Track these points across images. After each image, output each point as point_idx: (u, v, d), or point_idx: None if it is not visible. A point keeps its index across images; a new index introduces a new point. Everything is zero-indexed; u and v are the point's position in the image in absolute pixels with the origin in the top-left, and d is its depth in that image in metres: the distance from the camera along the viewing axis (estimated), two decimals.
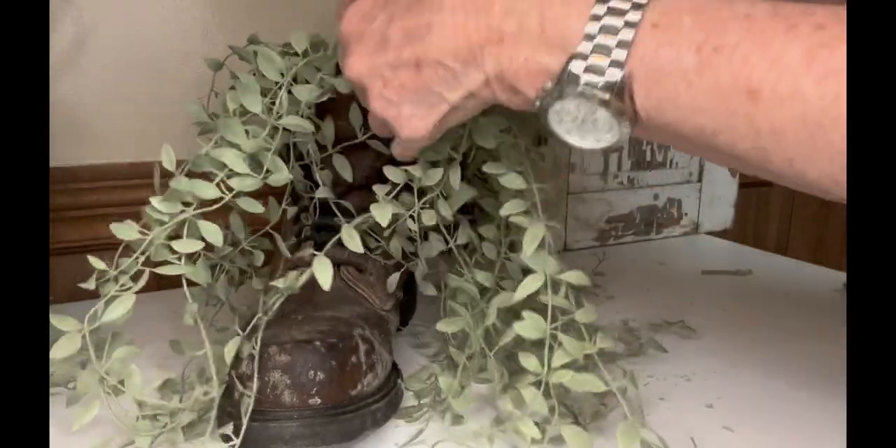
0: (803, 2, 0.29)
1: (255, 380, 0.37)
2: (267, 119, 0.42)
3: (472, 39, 0.34)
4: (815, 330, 0.59)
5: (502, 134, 0.43)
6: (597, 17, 0.31)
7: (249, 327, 0.39)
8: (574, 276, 0.41)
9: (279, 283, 0.40)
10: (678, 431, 0.43)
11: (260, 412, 0.37)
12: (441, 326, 0.45)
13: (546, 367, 0.38)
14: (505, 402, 0.41)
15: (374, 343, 0.42)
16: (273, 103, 0.43)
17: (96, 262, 0.39)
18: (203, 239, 0.40)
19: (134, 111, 0.65)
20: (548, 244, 0.41)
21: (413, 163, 0.43)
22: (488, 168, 0.43)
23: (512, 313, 0.42)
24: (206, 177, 0.41)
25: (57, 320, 0.38)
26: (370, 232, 0.47)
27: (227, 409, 0.38)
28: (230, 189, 0.40)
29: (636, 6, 0.31)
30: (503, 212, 0.42)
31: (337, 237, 0.41)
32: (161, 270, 0.39)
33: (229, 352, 0.39)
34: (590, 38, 0.31)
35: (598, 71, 0.31)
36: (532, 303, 0.41)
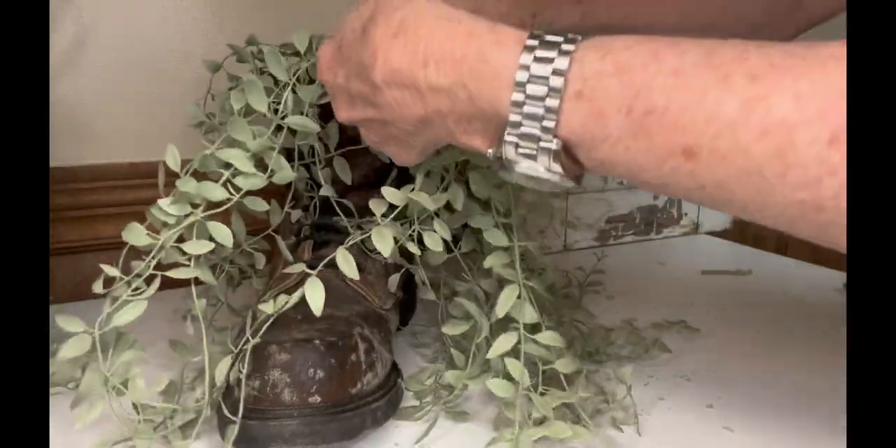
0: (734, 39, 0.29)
1: (255, 378, 0.37)
2: (273, 118, 0.42)
3: (416, 114, 0.35)
4: (815, 330, 0.59)
5: (496, 186, 0.45)
6: (521, 87, 0.31)
7: (239, 348, 0.39)
8: (548, 338, 0.42)
9: (267, 307, 0.39)
10: (678, 431, 0.43)
11: (260, 410, 0.37)
12: (447, 330, 0.46)
13: (517, 429, 0.39)
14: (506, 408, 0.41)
15: (373, 342, 0.42)
16: (277, 103, 0.43)
17: (110, 270, 0.39)
18: (212, 240, 0.40)
19: (134, 111, 0.65)
20: (525, 296, 0.43)
21: (410, 179, 0.44)
22: (474, 223, 0.45)
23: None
24: (206, 176, 0.41)
25: (63, 321, 0.38)
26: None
27: (227, 409, 0.38)
28: (237, 189, 0.40)
29: (557, 72, 0.30)
30: (486, 264, 0.44)
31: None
32: (173, 274, 0.39)
33: (220, 374, 0.39)
34: (518, 106, 0.31)
35: (532, 139, 0.31)
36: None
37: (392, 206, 0.42)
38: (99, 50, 0.63)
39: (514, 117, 0.31)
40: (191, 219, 0.39)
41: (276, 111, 0.43)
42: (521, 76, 0.30)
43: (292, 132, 0.44)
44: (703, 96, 0.27)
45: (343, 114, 0.39)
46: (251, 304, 0.48)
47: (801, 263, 0.80)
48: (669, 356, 0.53)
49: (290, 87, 0.43)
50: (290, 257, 0.48)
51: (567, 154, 0.31)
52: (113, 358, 0.39)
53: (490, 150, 0.33)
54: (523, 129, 0.31)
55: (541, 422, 0.40)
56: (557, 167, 0.32)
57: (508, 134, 0.32)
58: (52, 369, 0.47)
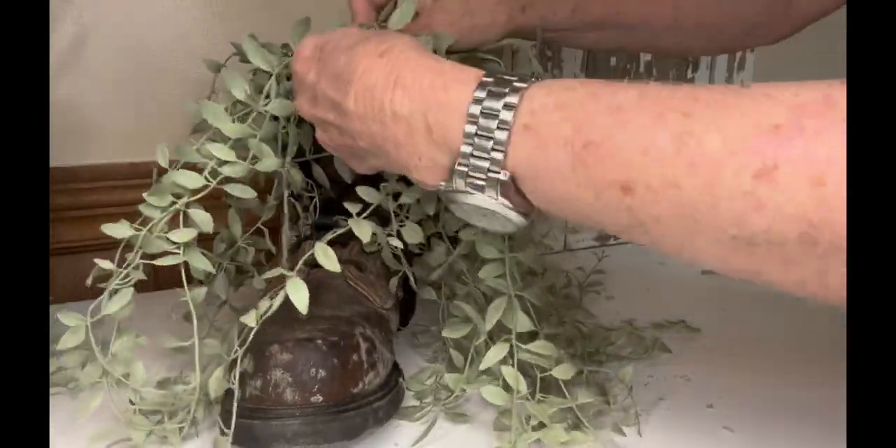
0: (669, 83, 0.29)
1: (257, 378, 0.37)
2: (254, 106, 0.43)
3: (375, 138, 0.36)
4: (814, 330, 0.59)
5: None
6: (473, 119, 0.32)
7: (231, 357, 0.39)
8: (542, 347, 0.42)
9: (249, 320, 0.39)
10: (678, 431, 0.43)
11: (262, 410, 0.37)
12: (446, 333, 0.46)
13: (513, 436, 0.40)
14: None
15: (375, 342, 0.42)
16: (260, 93, 0.43)
17: (104, 264, 0.40)
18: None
19: (134, 111, 0.65)
20: (517, 306, 0.43)
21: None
22: (465, 235, 0.46)
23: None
24: (199, 170, 0.42)
25: (63, 316, 0.39)
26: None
27: (228, 408, 0.38)
28: (218, 177, 0.41)
29: (508, 107, 0.31)
30: (481, 275, 0.45)
31: (332, 234, 0.41)
32: (161, 262, 0.40)
33: (215, 388, 0.39)
34: (469, 137, 0.32)
35: (482, 170, 0.32)
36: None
37: (367, 205, 0.43)
38: (99, 50, 0.63)
39: (465, 148, 0.32)
40: (174, 207, 0.40)
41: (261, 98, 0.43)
42: (474, 109, 0.32)
43: (276, 121, 0.44)
44: (638, 132, 0.28)
45: (304, 107, 0.40)
46: (252, 305, 0.48)
47: None
48: (669, 356, 0.53)
49: (273, 76, 0.43)
50: (292, 241, 0.48)
51: (515, 188, 0.32)
52: (112, 349, 0.39)
53: (442, 183, 0.35)
54: (473, 161, 0.32)
55: (541, 425, 0.40)
56: (505, 200, 0.33)
57: (459, 164, 0.33)
58: (52, 369, 0.47)
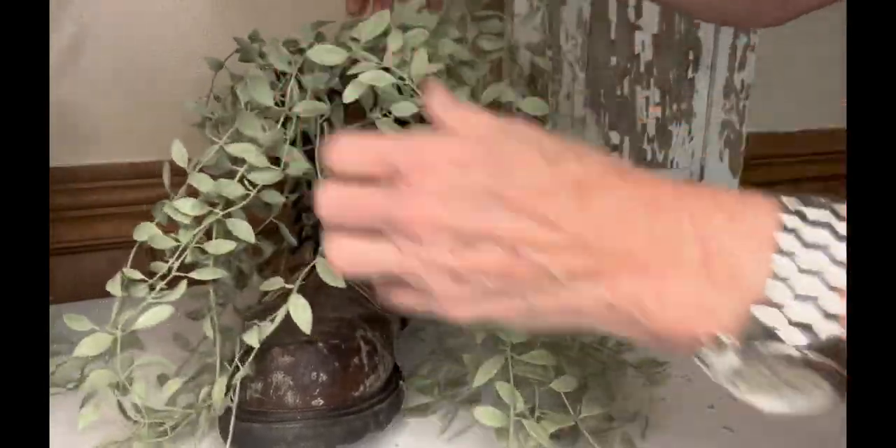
0: None
1: (258, 381, 0.37)
2: (281, 110, 0.41)
3: (600, 260, 0.26)
4: None
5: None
6: (787, 252, 0.24)
7: (234, 365, 0.39)
8: (539, 357, 0.40)
9: (251, 339, 0.38)
10: (679, 431, 0.43)
11: (263, 413, 0.37)
12: (449, 342, 0.45)
13: None
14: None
15: (376, 344, 0.42)
16: (283, 96, 0.42)
17: (132, 273, 0.39)
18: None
19: (134, 111, 0.65)
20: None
21: None
22: None
23: None
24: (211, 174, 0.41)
25: (70, 320, 0.38)
26: None
27: (228, 411, 0.38)
28: (252, 184, 0.40)
29: (839, 236, 0.23)
30: None
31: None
32: (196, 275, 0.39)
33: (217, 399, 0.39)
34: (782, 277, 0.24)
35: (803, 325, 0.23)
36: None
37: None
38: (99, 50, 0.62)
39: (774, 292, 0.24)
40: (211, 218, 0.39)
41: (282, 103, 0.42)
42: (786, 243, 0.24)
43: (300, 120, 0.43)
44: None
45: (465, 310, 0.29)
46: (253, 305, 0.48)
47: None
48: (670, 356, 0.53)
49: (293, 78, 0.42)
50: (293, 242, 0.47)
51: (839, 355, 0.24)
52: (122, 358, 0.38)
53: (696, 356, 0.25)
54: (788, 311, 0.24)
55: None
56: (827, 364, 0.24)
57: (759, 313, 0.24)
58: (52, 369, 0.47)
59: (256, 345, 0.38)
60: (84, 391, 0.38)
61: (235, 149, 0.39)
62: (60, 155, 0.62)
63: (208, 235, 0.40)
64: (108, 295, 0.40)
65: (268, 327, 0.38)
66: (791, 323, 0.23)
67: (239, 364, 0.39)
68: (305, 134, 0.45)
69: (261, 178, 0.39)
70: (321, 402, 0.37)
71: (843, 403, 0.24)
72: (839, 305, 0.23)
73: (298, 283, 0.39)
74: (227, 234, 0.40)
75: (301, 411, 0.37)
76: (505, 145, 0.28)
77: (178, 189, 0.41)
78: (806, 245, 0.24)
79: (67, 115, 0.62)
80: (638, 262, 0.26)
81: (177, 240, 0.39)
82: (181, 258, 0.39)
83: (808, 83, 0.97)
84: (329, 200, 0.29)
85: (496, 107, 0.44)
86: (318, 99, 0.43)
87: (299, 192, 0.51)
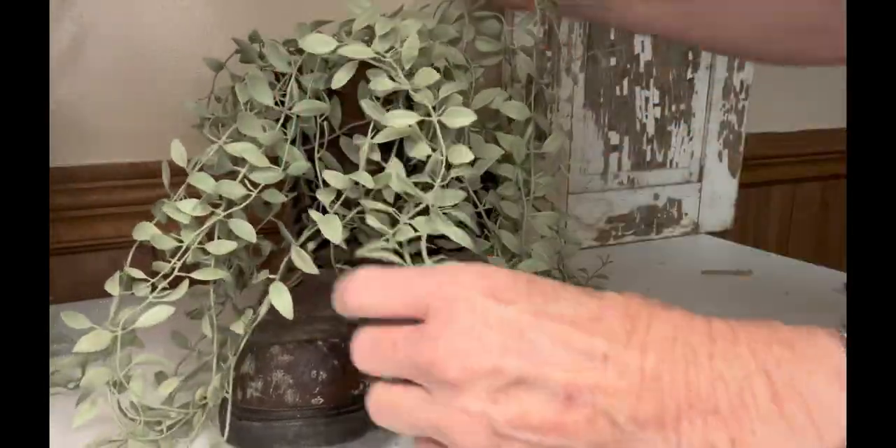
0: None
1: (258, 379, 0.37)
2: (280, 109, 0.41)
3: (664, 401, 0.23)
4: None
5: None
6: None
7: (228, 364, 0.39)
8: None
9: (237, 328, 0.38)
10: None
11: (263, 412, 0.37)
12: None
13: None
14: None
15: None
16: (283, 95, 0.42)
17: (134, 272, 0.39)
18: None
19: (134, 111, 0.65)
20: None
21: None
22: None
23: None
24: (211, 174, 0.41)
25: (68, 318, 0.38)
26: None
27: (227, 409, 0.38)
28: (253, 184, 0.40)
29: None
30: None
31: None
32: (197, 275, 0.39)
33: (212, 399, 0.39)
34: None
35: None
36: None
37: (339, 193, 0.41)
38: (99, 50, 0.63)
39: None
40: (214, 218, 0.39)
41: (282, 103, 0.42)
42: None
43: (299, 120, 0.43)
44: None
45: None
46: (253, 305, 0.48)
47: (802, 263, 0.80)
48: None
49: (292, 78, 0.42)
50: (292, 239, 0.47)
51: None
52: (120, 356, 0.39)
53: None
54: None
55: None
56: None
57: None
58: (52, 369, 0.47)
59: (241, 332, 0.38)
60: (82, 388, 0.39)
61: (235, 148, 0.40)
62: (60, 155, 0.62)
63: (209, 235, 0.40)
64: (107, 295, 0.40)
65: (249, 315, 0.38)
66: None
67: (236, 361, 0.39)
68: (305, 134, 0.45)
69: (262, 177, 0.40)
70: (321, 400, 0.37)
71: None
72: None
73: (281, 272, 0.39)
74: (229, 234, 0.40)
75: (301, 410, 0.37)
76: (538, 279, 0.26)
77: (178, 189, 0.41)
78: None
79: (67, 115, 0.62)
80: (706, 402, 0.23)
81: (178, 240, 0.39)
82: (183, 258, 0.39)
83: (808, 83, 0.98)
84: (361, 351, 0.27)
85: (487, 112, 0.45)
86: (318, 98, 0.43)
87: (298, 191, 0.51)
